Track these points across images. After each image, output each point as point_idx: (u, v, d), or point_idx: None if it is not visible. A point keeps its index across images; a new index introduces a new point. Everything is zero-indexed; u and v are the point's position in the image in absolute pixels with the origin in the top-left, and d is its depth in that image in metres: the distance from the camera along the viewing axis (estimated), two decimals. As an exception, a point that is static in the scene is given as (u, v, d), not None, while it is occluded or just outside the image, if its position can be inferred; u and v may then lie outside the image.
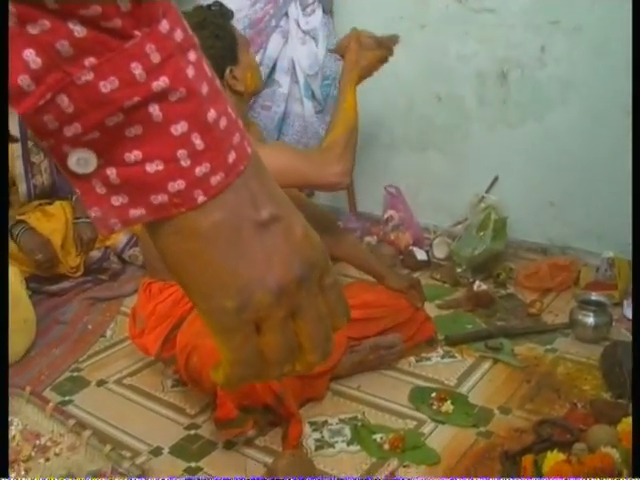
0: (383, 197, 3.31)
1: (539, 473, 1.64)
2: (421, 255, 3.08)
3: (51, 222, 2.99)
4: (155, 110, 0.45)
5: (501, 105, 3.08)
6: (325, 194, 3.42)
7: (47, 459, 1.87)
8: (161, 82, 0.45)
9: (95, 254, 3.03)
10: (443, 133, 3.24)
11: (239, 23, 2.88)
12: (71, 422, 1.95)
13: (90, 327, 2.66)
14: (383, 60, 2.21)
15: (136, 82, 0.44)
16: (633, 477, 1.47)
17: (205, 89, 0.48)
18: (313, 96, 3.17)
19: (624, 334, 2.41)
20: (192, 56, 0.47)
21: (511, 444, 1.87)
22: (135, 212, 0.48)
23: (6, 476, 1.60)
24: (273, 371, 0.55)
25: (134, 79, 0.44)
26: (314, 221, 1.95)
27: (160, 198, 0.47)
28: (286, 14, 3.09)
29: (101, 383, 2.30)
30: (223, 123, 0.49)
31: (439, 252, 3.06)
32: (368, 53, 2.16)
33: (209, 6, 2.14)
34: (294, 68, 3.14)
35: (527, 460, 1.69)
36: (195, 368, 1.87)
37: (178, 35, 0.46)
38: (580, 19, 2.83)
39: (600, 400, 2.05)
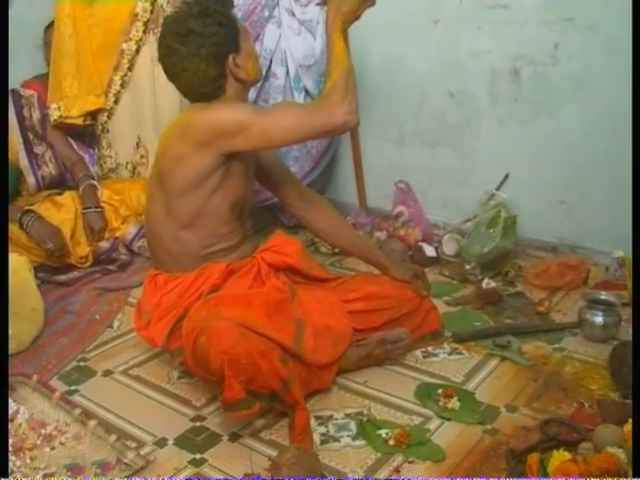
0: (393, 193, 3.29)
1: (545, 472, 1.64)
2: (430, 251, 3.07)
3: (61, 212, 2.99)
4: None
5: (513, 102, 3.07)
6: (335, 189, 3.41)
7: (52, 448, 1.87)
8: None
9: (104, 245, 3.03)
10: (454, 129, 3.23)
11: None
12: (77, 412, 1.96)
13: (97, 317, 2.66)
14: (366, 2, 2.15)
15: None
16: (634, 477, 1.47)
17: None
18: (306, 90, 3.16)
19: (633, 334, 2.40)
20: None
21: (517, 442, 1.86)
22: None
23: (6, 476, 1.60)
24: None
25: None
26: (318, 216, 1.93)
27: None
28: (277, 3, 3.09)
29: (107, 373, 2.30)
30: None
31: (448, 249, 3.05)
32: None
33: None
34: (286, 59, 3.14)
35: (533, 459, 1.68)
36: (202, 349, 1.85)
37: None
38: (594, 17, 2.82)
39: (607, 400, 2.04)
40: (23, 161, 3.03)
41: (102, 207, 3.04)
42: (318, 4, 2.46)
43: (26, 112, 3.08)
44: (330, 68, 2.07)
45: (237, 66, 2.10)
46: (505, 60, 3.03)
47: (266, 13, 3.05)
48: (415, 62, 3.22)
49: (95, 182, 3.10)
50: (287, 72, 3.15)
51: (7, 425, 1.85)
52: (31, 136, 3.08)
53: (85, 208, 3.01)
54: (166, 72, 2.14)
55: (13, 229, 2.82)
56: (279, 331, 1.96)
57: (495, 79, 3.07)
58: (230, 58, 2.08)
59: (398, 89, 3.25)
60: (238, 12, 2.90)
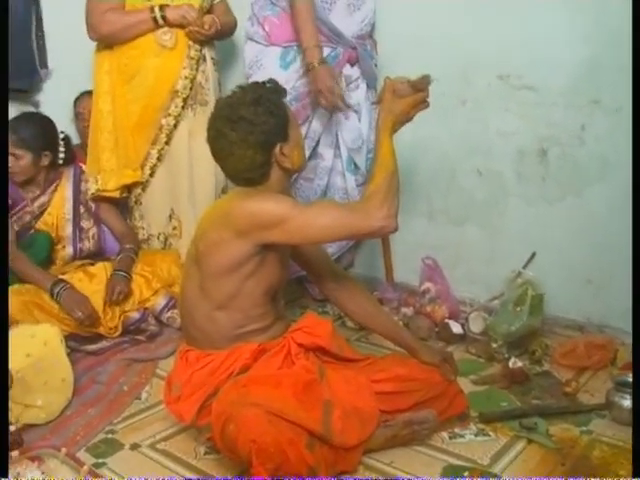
0: (420, 268, 3.32)
1: None
2: (457, 328, 3.08)
3: (92, 283, 3.04)
4: None
5: (540, 181, 3.11)
6: (362, 264, 3.45)
7: (79, 522, 1.89)
8: None
9: (134, 315, 3.07)
10: (482, 207, 3.27)
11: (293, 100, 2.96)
12: (104, 486, 1.97)
13: (125, 388, 2.68)
14: (419, 103, 2.19)
15: None
16: (633, 477, 1.44)
17: None
18: (356, 168, 3.21)
19: (662, 418, 2.37)
20: None
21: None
22: None
23: (6, 476, 1.62)
24: None
25: None
26: (349, 297, 1.96)
27: None
28: None
29: (135, 447, 2.31)
30: None
31: (475, 326, 3.06)
32: (401, 100, 2.16)
33: (264, 83, 2.20)
34: (337, 142, 3.18)
35: None
36: (231, 436, 1.88)
37: None
38: (620, 99, 2.87)
39: (636, 487, 2.01)
40: (67, 231, 3.14)
41: (131, 276, 3.09)
42: (373, 103, 2.51)
43: (82, 186, 3.21)
44: (375, 170, 2.12)
45: (283, 155, 2.14)
46: (532, 141, 3.09)
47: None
48: (444, 141, 3.28)
49: (134, 256, 3.17)
50: (335, 154, 3.19)
51: (7, 423, 1.85)
52: (82, 210, 3.20)
53: (115, 270, 3.07)
54: (213, 154, 2.20)
55: (44, 297, 2.89)
56: (308, 413, 1.97)
57: (522, 159, 3.12)
58: (277, 147, 2.13)
59: (427, 166, 3.31)
60: (292, 92, 2.95)
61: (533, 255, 3.14)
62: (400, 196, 2.11)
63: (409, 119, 2.21)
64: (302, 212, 2.08)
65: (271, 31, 3.10)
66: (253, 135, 2.08)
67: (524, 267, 3.13)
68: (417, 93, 2.17)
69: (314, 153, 3.17)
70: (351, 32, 3.10)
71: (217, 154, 2.18)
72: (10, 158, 2.97)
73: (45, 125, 3.17)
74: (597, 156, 2.96)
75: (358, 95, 3.18)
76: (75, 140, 3.51)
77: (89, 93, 3.47)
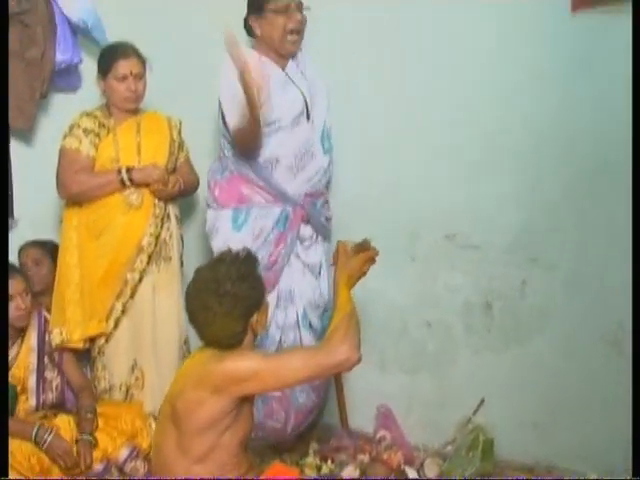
0: (375, 416, 3.45)
1: None
2: (413, 474, 3.19)
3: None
4: None
5: (486, 332, 3.34)
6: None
7: None
8: None
9: (97, 467, 3.05)
10: (433, 357, 3.46)
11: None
12: None
13: None
14: (369, 260, 2.57)
15: None
16: (634, 477, 1.54)
17: None
18: (310, 325, 3.31)
19: None
20: None
21: None
22: None
23: (6, 475, 1.60)
24: None
25: None
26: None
27: None
28: (294, 250, 3.24)
29: None
30: None
31: (430, 472, 3.18)
32: (354, 258, 2.54)
33: (238, 253, 2.38)
34: (294, 297, 3.26)
35: None
36: None
37: None
38: (555, 257, 3.17)
39: None
40: (30, 383, 3.14)
41: (96, 438, 3.10)
42: (331, 264, 2.72)
43: (47, 336, 3.25)
44: (334, 314, 2.36)
45: (257, 322, 2.34)
46: (478, 294, 3.34)
47: (285, 260, 3.20)
48: (394, 294, 3.50)
49: (94, 414, 3.17)
50: (298, 311, 3.27)
51: (7, 424, 1.81)
52: (46, 360, 3.23)
53: (82, 434, 3.08)
54: (193, 321, 2.34)
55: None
56: None
57: (469, 311, 3.36)
58: (255, 316, 2.32)
59: (379, 318, 3.50)
60: (262, 261, 2.99)
61: (482, 402, 3.32)
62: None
63: (363, 274, 2.55)
64: (272, 360, 2.29)
65: (220, 195, 3.22)
66: (237, 309, 2.26)
67: (474, 413, 3.31)
68: (366, 252, 2.53)
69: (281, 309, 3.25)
70: (297, 191, 3.20)
71: (198, 323, 2.32)
72: None
73: None
74: (537, 308, 3.23)
75: (316, 252, 3.32)
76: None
77: (33, 243, 3.57)
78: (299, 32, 3.19)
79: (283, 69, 3.22)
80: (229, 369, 2.22)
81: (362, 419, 3.55)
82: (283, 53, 3.21)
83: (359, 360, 2.26)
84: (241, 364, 2.23)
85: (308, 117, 3.23)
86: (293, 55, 3.26)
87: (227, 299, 2.24)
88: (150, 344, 3.33)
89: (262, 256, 3.06)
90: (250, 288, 2.29)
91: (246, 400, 2.31)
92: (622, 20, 2.69)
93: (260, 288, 2.35)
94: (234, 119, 3.03)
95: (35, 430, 2.92)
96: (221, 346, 2.30)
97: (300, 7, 3.17)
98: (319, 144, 3.25)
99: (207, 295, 2.26)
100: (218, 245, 3.16)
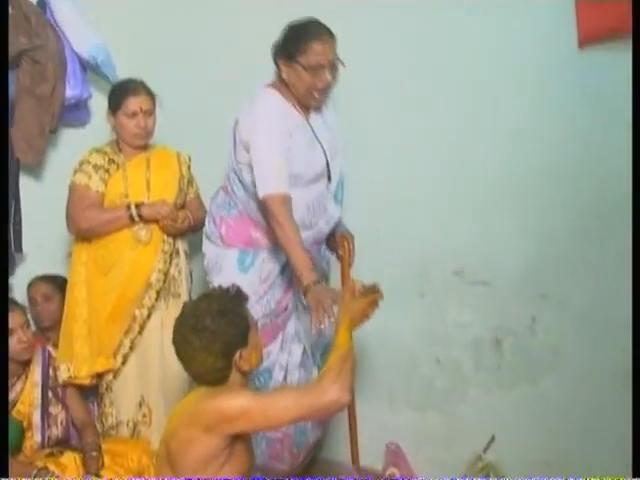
0: (384, 453, 3.42)
1: None
2: (422, 512, 3.16)
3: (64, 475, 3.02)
4: None
5: (496, 369, 3.33)
6: (328, 448, 3.53)
7: None
8: None
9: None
10: (442, 394, 3.45)
11: (266, 317, 3.04)
12: None
13: None
14: (373, 303, 2.50)
15: None
16: (633, 477, 1.51)
17: None
18: (315, 365, 3.27)
19: None
20: None
21: None
22: None
23: (6, 476, 1.58)
24: None
25: None
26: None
27: None
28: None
29: None
30: None
31: (441, 510, 3.15)
32: (359, 300, 2.48)
33: (227, 289, 2.39)
34: (299, 338, 3.23)
35: None
36: None
37: None
38: (565, 293, 3.16)
39: None
40: (35, 419, 3.11)
41: (102, 477, 3.06)
42: (333, 304, 2.69)
43: (52, 371, 3.24)
44: (330, 354, 2.34)
45: (242, 358, 2.31)
46: (487, 331, 3.33)
47: (294, 306, 3.18)
48: (403, 330, 3.49)
49: (99, 452, 3.11)
50: (304, 350, 3.24)
51: (7, 424, 1.79)
52: (50, 395, 3.20)
53: (87, 473, 3.04)
54: (177, 355, 2.36)
55: None
56: None
57: (479, 348, 3.35)
58: (237, 353, 2.30)
59: (388, 355, 3.49)
60: (273, 311, 3.05)
61: (492, 439, 3.29)
62: (362, 384, 2.30)
63: (366, 317, 2.50)
64: (262, 399, 2.27)
65: (227, 233, 3.12)
66: (216, 344, 2.26)
67: (484, 451, 3.28)
68: (369, 294, 2.49)
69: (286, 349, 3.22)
70: (306, 239, 2.99)
71: (181, 357, 2.34)
72: None
73: None
74: (547, 345, 3.22)
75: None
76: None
77: (42, 278, 3.58)
78: (327, 91, 3.00)
79: (307, 118, 3.05)
80: (220, 407, 2.21)
81: (371, 456, 3.51)
82: (306, 105, 3.03)
83: (347, 403, 2.26)
84: (232, 402, 2.22)
85: (329, 178, 3.10)
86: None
87: (205, 334, 2.25)
88: (158, 381, 3.31)
89: (268, 300, 3.06)
90: (229, 324, 2.27)
91: (239, 437, 2.28)
92: (629, 56, 2.69)
93: (241, 325, 2.32)
94: (267, 187, 2.89)
95: (33, 475, 2.88)
96: (206, 382, 2.31)
97: (334, 66, 2.91)
98: (332, 197, 3.13)
99: (186, 329, 2.28)
100: (220, 284, 3.11)
